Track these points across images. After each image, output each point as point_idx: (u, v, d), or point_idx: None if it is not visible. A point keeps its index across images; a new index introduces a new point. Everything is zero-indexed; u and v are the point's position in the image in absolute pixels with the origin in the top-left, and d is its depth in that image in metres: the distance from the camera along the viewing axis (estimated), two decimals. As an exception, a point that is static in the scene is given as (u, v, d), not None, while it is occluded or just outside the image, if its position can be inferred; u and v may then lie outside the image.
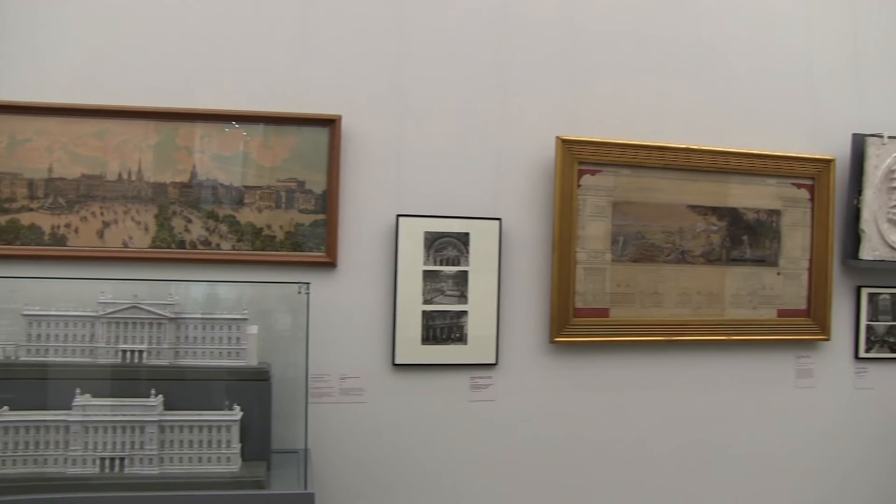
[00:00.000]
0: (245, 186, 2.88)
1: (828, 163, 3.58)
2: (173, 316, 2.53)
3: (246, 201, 2.88)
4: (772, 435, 3.58)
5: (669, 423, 3.42)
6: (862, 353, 3.70)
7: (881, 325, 3.73)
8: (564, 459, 3.28)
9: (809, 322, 3.57)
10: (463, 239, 3.07)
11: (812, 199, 3.58)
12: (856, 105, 3.76)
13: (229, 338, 2.58)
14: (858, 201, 3.62)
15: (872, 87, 3.80)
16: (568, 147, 3.16)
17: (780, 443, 3.59)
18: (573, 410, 3.28)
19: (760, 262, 3.49)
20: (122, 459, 2.28)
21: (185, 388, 2.47)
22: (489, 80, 3.20)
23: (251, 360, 2.57)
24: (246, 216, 2.88)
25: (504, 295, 3.14)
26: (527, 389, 3.21)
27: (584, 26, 3.33)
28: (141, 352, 2.49)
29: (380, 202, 3.05)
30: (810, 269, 3.57)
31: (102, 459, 2.27)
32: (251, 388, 2.53)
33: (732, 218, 3.44)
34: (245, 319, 2.60)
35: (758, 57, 3.60)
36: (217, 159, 2.86)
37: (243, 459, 2.40)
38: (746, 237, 3.46)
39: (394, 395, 3.07)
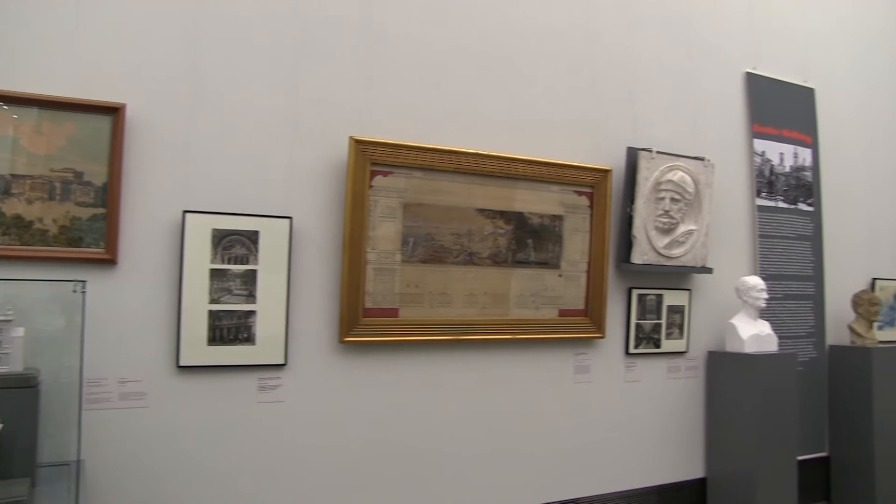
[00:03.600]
0: (13, 175, 3.01)
1: (605, 173, 4.41)
2: (-81, 317, 2.53)
3: (14, 191, 3.01)
4: (553, 427, 4.34)
5: (457, 420, 4.02)
6: (631, 350, 4.60)
7: (648, 324, 4.65)
8: (355, 459, 3.73)
9: (587, 321, 4.37)
10: (252, 237, 3.44)
11: (591, 206, 4.38)
12: (631, 121, 4.67)
13: (-10, 341, 2.64)
14: (631, 209, 4.49)
15: (645, 105, 4.75)
16: (361, 148, 3.64)
17: (561, 434, 4.36)
18: (363, 410, 3.75)
19: (543, 264, 4.21)
20: None
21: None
22: (284, 77, 3.60)
23: (15, 366, 2.63)
24: (13, 207, 3.01)
25: (294, 294, 3.55)
26: (316, 390, 3.64)
27: (382, 29, 3.85)
28: None
29: (166, 197, 3.32)
30: (588, 272, 4.37)
31: None
32: (15, 396, 2.54)
33: (518, 222, 4.13)
34: (9, 321, 2.66)
35: (546, 70, 4.36)
36: (-21, 144, 2.95)
37: (2, 478, 2.41)
38: (531, 241, 4.17)
39: (178, 399, 3.35)
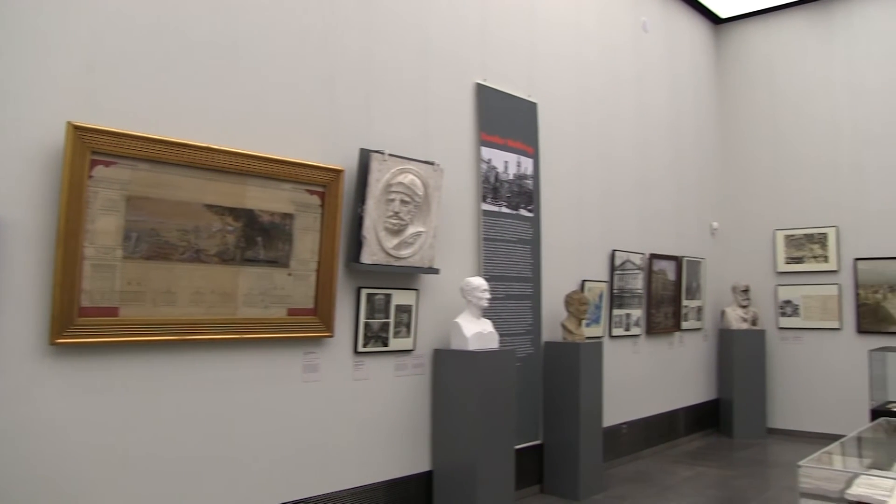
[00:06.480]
0: None
1: (338, 173, 4.73)
2: None
3: None
4: (281, 428, 4.57)
5: (182, 423, 4.10)
6: (360, 348, 4.97)
7: (376, 322, 5.06)
8: (70, 469, 3.66)
9: (316, 320, 4.67)
10: (-51, 228, 3.29)
11: (323, 206, 4.67)
12: (365, 123, 5.06)
13: None
14: (362, 210, 4.86)
15: (380, 108, 5.17)
16: (80, 134, 3.61)
17: (290, 434, 4.60)
18: (79, 416, 3.70)
19: (273, 263, 4.44)
20: None
21: None
22: (-12, 53, 3.48)
23: None
24: None
25: (-3, 291, 3.45)
26: (22, 397, 3.53)
27: (109, 10, 3.84)
28: None
29: None
30: (318, 271, 4.66)
31: None
32: None
33: (248, 219, 4.31)
34: None
35: (281, 67, 4.60)
36: None
37: None
38: (261, 238, 4.37)
39: None
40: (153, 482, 3.97)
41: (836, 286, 9.09)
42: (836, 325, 9.08)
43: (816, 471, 3.18)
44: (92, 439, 3.75)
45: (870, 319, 8.83)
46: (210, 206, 4.14)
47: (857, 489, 3.03)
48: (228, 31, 4.35)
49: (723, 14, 9.98)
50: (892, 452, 3.99)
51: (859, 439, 3.93)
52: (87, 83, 3.75)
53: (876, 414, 5.17)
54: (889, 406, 5.57)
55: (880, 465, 3.56)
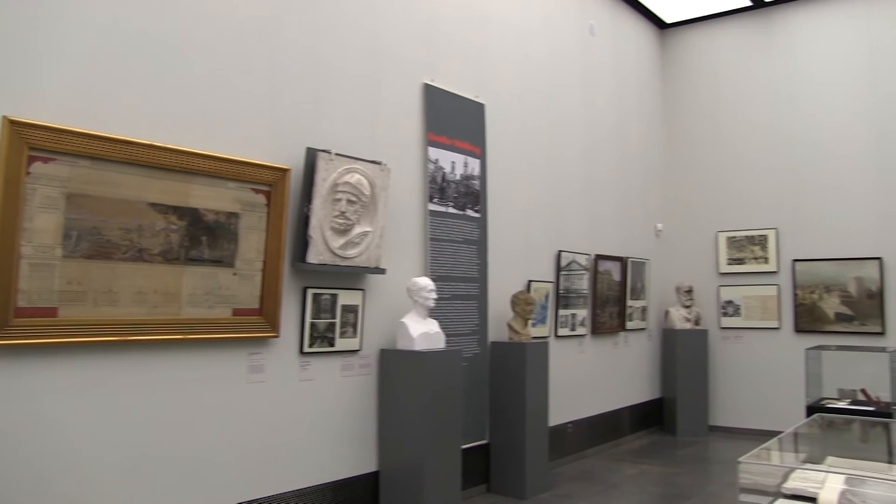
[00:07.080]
0: None
1: (284, 172, 4.72)
2: None
3: None
4: (226, 429, 4.53)
5: (127, 425, 4.04)
6: (306, 348, 4.96)
7: (322, 322, 5.05)
8: (10, 473, 3.57)
9: (261, 321, 4.65)
10: None
11: (269, 205, 4.66)
12: (312, 122, 5.05)
13: None
14: (308, 209, 4.85)
15: (327, 107, 5.17)
16: (17, 130, 3.54)
17: (235, 436, 4.57)
18: (17, 420, 3.62)
19: (218, 262, 4.41)
20: None
21: None
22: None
23: None
24: None
25: (-69, 291, 3.36)
26: (-44, 398, 3.46)
27: (47, 2, 3.76)
28: None
29: None
30: (264, 271, 4.64)
31: None
32: None
33: (193, 218, 4.27)
34: None
35: (227, 64, 4.57)
36: None
37: None
38: (205, 238, 4.34)
39: None
40: (94, 485, 3.91)
41: (775, 287, 9.36)
42: (775, 324, 9.34)
43: (755, 466, 3.27)
44: (29, 443, 3.67)
45: (807, 319, 9.11)
46: (153, 205, 4.09)
47: (793, 483, 3.14)
48: (173, 26, 4.30)
49: (668, 19, 10.18)
50: (825, 447, 4.13)
51: (795, 435, 4.06)
52: (24, 76, 3.68)
53: (811, 410, 5.34)
54: (823, 402, 5.76)
55: (814, 459, 3.68)
